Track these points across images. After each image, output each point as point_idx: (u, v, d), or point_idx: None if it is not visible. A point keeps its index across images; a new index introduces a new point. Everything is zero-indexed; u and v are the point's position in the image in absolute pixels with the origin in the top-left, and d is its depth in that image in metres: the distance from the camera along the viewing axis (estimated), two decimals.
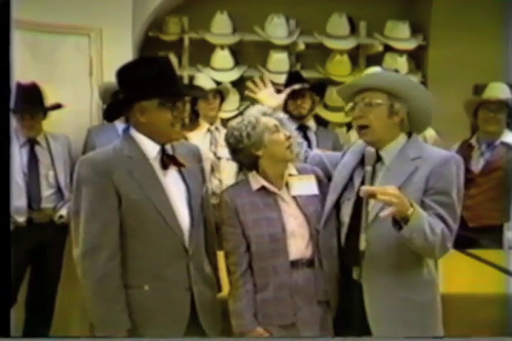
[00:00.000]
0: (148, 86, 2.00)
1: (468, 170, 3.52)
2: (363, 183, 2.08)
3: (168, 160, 2.08)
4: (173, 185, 2.09)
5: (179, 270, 2.06)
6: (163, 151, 2.08)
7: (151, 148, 2.06)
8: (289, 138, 2.19)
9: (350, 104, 2.14)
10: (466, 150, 3.61)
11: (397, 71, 3.58)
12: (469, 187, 3.50)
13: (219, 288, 2.25)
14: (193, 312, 2.09)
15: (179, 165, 2.10)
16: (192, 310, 2.09)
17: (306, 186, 2.24)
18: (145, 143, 2.07)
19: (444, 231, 1.96)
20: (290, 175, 2.25)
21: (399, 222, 1.89)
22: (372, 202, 2.01)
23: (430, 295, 2.06)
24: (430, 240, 1.92)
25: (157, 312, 2.04)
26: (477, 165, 3.53)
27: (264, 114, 2.23)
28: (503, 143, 3.51)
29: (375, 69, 2.16)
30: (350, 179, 2.15)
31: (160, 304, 2.04)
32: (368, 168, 2.07)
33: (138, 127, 2.07)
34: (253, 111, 2.24)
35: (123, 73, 2.07)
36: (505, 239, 3.37)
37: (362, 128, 2.09)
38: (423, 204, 1.98)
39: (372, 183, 2.06)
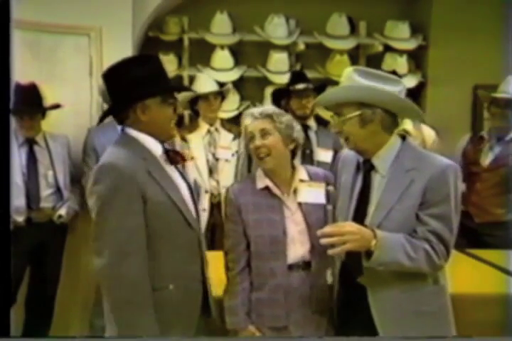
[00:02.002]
0: (149, 84, 2.00)
1: (476, 163, 3.54)
2: (361, 193, 2.06)
3: (174, 155, 2.09)
4: (180, 181, 2.11)
5: (196, 265, 2.09)
6: (165, 148, 2.09)
7: (156, 147, 2.06)
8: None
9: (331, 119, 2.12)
10: (477, 142, 3.62)
11: (394, 72, 3.56)
12: (475, 182, 3.52)
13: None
14: (206, 304, 2.12)
15: (185, 160, 2.13)
16: (204, 302, 2.11)
17: (314, 194, 2.22)
18: (150, 142, 2.05)
19: (429, 252, 1.92)
20: (301, 180, 2.23)
21: (367, 253, 1.88)
22: (371, 211, 2.00)
23: (439, 304, 2.02)
24: (407, 265, 1.90)
25: (181, 309, 2.04)
26: (485, 158, 3.53)
27: (253, 117, 2.20)
28: None
29: (348, 72, 2.08)
30: (352, 189, 2.11)
31: (182, 301, 2.04)
32: (329, 207, 2.04)
33: (139, 126, 2.04)
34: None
35: (115, 74, 2.05)
36: None
37: (345, 139, 2.07)
38: (418, 219, 1.96)
39: (368, 192, 2.04)
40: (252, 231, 2.17)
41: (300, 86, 3.64)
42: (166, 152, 2.08)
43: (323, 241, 1.84)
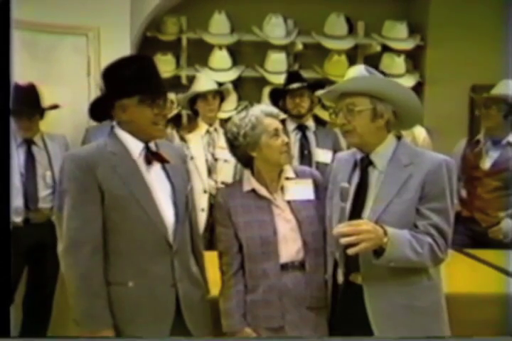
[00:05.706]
0: (127, 84, 2.04)
1: (477, 167, 3.52)
2: (358, 189, 2.06)
3: (151, 156, 2.09)
4: (158, 181, 2.09)
5: (163, 266, 2.06)
6: (147, 148, 2.09)
7: (134, 146, 2.08)
8: (286, 144, 2.17)
9: (332, 110, 2.10)
10: (474, 146, 3.58)
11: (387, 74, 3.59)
12: (476, 187, 3.50)
13: (207, 290, 2.24)
14: (179, 310, 2.08)
15: (163, 161, 2.11)
16: (178, 308, 2.07)
17: (301, 191, 2.22)
18: (128, 140, 2.08)
19: (433, 246, 1.93)
20: (287, 178, 2.23)
21: (376, 250, 1.88)
22: (368, 208, 2.01)
23: (431, 301, 2.02)
24: (414, 260, 1.91)
25: (142, 309, 2.03)
26: (485, 162, 3.50)
27: (268, 115, 2.19)
28: (510, 143, 3.47)
29: (358, 69, 2.11)
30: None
31: (145, 301, 2.03)
32: (343, 205, 1.99)
33: (121, 125, 2.10)
34: (257, 111, 2.20)
35: (105, 73, 2.13)
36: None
37: (347, 132, 2.07)
38: (419, 213, 1.97)
39: (366, 188, 2.05)
40: (243, 233, 2.17)
41: (294, 85, 3.65)
42: (146, 152, 2.09)
43: (342, 240, 1.83)
